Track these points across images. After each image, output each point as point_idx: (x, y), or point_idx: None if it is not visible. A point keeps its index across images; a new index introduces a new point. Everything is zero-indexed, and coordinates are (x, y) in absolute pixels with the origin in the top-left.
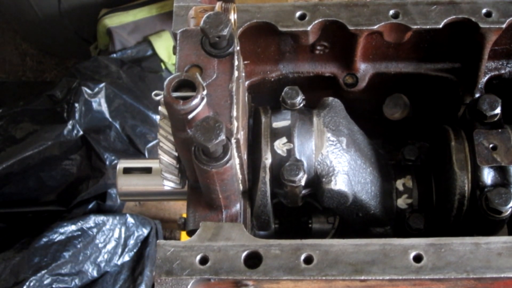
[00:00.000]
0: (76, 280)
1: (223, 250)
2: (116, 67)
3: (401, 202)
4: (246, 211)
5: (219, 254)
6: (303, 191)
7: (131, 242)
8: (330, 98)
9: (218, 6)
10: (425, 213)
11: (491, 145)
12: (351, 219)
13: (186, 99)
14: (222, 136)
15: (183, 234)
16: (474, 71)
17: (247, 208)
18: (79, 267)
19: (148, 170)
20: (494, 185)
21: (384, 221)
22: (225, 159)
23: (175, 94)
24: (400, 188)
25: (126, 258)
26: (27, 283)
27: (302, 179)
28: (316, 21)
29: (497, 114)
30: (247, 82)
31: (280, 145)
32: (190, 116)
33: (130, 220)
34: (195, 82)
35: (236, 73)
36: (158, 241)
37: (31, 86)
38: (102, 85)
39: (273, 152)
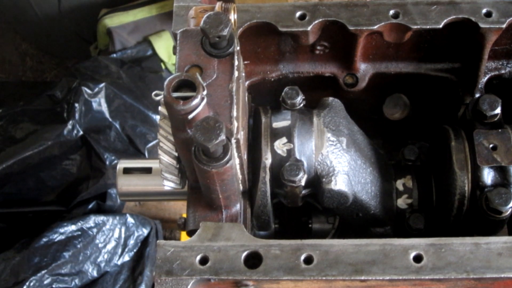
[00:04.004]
0: (76, 280)
1: (223, 250)
2: (116, 67)
3: (401, 202)
4: (246, 211)
5: (219, 254)
6: (303, 191)
7: (131, 242)
8: (330, 98)
9: (218, 6)
10: (425, 213)
11: (491, 145)
12: (351, 219)
13: (186, 99)
14: (222, 136)
15: (183, 234)
16: (474, 71)
17: (247, 208)
18: (79, 267)
19: (148, 170)
20: (494, 185)
21: (384, 221)
22: (225, 159)
23: (175, 94)
24: (400, 188)
25: (126, 258)
26: (27, 283)
27: (302, 179)
28: (316, 21)
29: (497, 114)
30: (247, 82)
31: (280, 145)
32: (190, 116)
33: (130, 220)
34: (195, 82)
35: (236, 73)
36: (158, 241)
37: (31, 86)
38: (102, 85)
39: (273, 152)
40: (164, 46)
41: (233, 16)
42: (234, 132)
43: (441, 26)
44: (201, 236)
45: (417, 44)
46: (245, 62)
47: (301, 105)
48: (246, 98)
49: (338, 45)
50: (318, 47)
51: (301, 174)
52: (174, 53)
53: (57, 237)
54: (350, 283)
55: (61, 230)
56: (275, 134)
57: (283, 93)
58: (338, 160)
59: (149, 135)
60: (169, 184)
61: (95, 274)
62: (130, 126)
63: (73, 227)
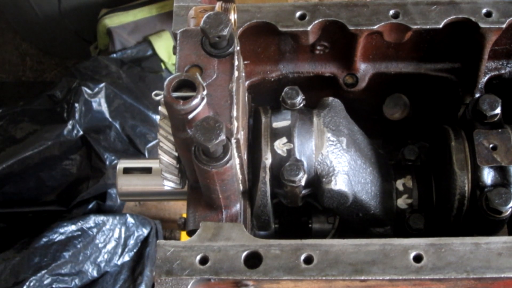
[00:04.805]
0: (76, 280)
1: (223, 250)
2: (116, 67)
3: (401, 202)
4: (246, 211)
5: (219, 254)
6: (303, 191)
7: (131, 242)
8: (330, 98)
9: (218, 6)
10: (425, 213)
11: (491, 145)
12: (351, 219)
13: (186, 99)
14: (222, 136)
15: (183, 234)
16: (474, 71)
17: (247, 208)
18: (79, 267)
19: (148, 170)
20: (494, 185)
21: (384, 221)
22: (225, 159)
23: (175, 94)
24: (400, 188)
25: (126, 258)
26: (27, 283)
27: (302, 179)
28: (316, 21)
29: (497, 114)
30: (247, 82)
31: (280, 145)
32: (190, 116)
33: (130, 220)
34: (195, 82)
35: (236, 73)
36: (158, 241)
37: (31, 86)
38: (102, 85)
39: (273, 152)
40: (164, 46)
41: (233, 16)
42: (234, 132)
43: (441, 26)
44: (201, 236)
45: (417, 44)
46: (245, 62)
47: (301, 105)
48: (246, 98)
49: (338, 45)
50: (318, 47)
51: (301, 174)
52: (174, 53)
53: (57, 237)
54: (350, 283)
55: (61, 230)
56: (275, 134)
57: (283, 93)
58: (338, 160)
59: (149, 135)
60: (169, 184)
61: (95, 274)
62: (130, 126)
63: (73, 227)
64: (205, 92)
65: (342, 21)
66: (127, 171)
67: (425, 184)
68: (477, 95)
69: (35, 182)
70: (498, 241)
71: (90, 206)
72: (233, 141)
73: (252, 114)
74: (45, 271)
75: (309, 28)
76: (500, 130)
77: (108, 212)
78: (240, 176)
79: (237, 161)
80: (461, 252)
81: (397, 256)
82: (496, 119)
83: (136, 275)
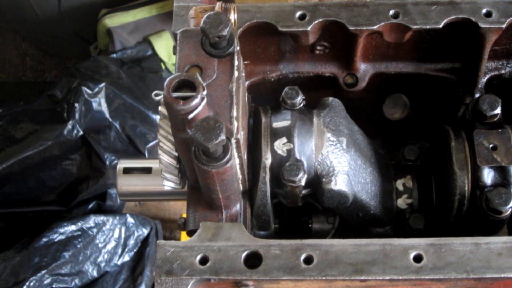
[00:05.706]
0: (76, 280)
1: (223, 250)
2: (116, 67)
3: (401, 202)
4: (246, 211)
5: (219, 254)
6: (303, 191)
7: (131, 242)
8: (330, 98)
9: (218, 6)
10: (425, 213)
11: (491, 145)
12: (351, 219)
13: (186, 99)
14: (222, 136)
15: (183, 234)
16: (474, 71)
17: (247, 208)
18: (79, 267)
19: (148, 170)
20: (494, 185)
21: (384, 221)
22: (225, 159)
23: (175, 94)
24: (400, 188)
25: (126, 258)
26: (27, 283)
27: (302, 179)
28: (316, 21)
29: (497, 114)
30: (247, 82)
31: (280, 145)
32: (190, 116)
33: (130, 220)
34: (195, 82)
35: (236, 73)
36: (158, 241)
37: (31, 86)
38: (102, 85)
39: (273, 152)
40: (164, 46)
41: (233, 16)
42: (234, 132)
43: (441, 26)
44: (201, 236)
45: (417, 44)
46: (245, 62)
47: (301, 105)
48: (246, 98)
49: (338, 45)
50: (318, 47)
51: (301, 174)
52: (174, 53)
53: (57, 237)
54: (350, 283)
55: (61, 230)
56: (275, 134)
57: (283, 93)
58: (338, 160)
59: (149, 135)
60: (169, 184)
61: (95, 274)
62: (130, 126)
63: (73, 227)
64: (205, 92)
65: (342, 21)
66: (127, 171)
67: (425, 184)
68: (477, 95)
69: (35, 182)
70: (498, 241)
71: (90, 206)
72: (233, 141)
73: (252, 114)
74: (45, 271)
75: (309, 28)
76: (500, 130)
77: (108, 212)
78: (240, 176)
79: (237, 161)
80: (461, 252)
81: (397, 256)
82: (496, 119)
83: (136, 275)
